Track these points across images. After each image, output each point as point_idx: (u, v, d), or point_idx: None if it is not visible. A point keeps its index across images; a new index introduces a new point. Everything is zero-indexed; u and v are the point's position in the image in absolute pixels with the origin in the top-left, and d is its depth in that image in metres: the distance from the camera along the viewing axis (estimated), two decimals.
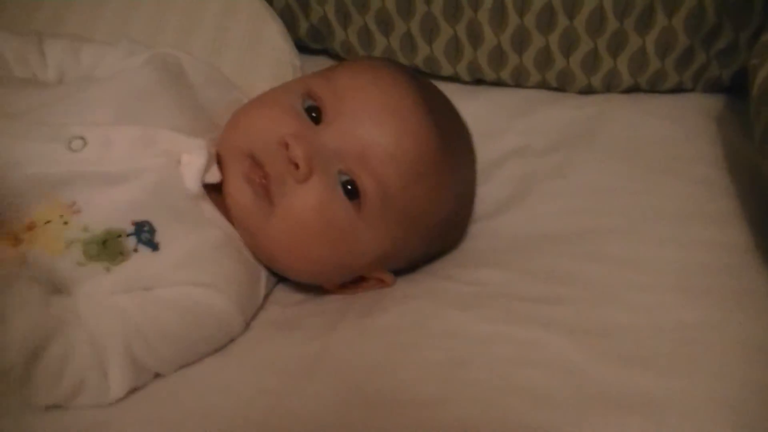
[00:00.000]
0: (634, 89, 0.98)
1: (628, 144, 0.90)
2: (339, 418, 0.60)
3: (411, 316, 0.69)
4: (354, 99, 0.69)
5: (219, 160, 0.70)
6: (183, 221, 0.67)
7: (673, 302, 0.68)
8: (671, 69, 0.95)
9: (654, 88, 0.98)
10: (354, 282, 0.74)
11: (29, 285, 0.60)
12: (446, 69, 1.01)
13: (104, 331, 0.62)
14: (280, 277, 0.76)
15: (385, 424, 0.59)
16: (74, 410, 0.61)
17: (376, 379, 0.63)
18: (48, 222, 0.64)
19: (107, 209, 0.65)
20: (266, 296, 0.74)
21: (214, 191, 0.70)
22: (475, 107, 0.94)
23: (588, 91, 0.99)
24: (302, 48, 1.03)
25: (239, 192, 0.69)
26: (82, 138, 0.66)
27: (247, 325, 0.70)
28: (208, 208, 0.69)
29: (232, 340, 0.69)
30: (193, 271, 0.66)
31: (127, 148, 0.67)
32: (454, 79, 1.02)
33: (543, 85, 1.01)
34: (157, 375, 0.65)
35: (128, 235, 0.64)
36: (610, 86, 0.98)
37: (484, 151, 0.87)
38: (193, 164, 0.67)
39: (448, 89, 0.81)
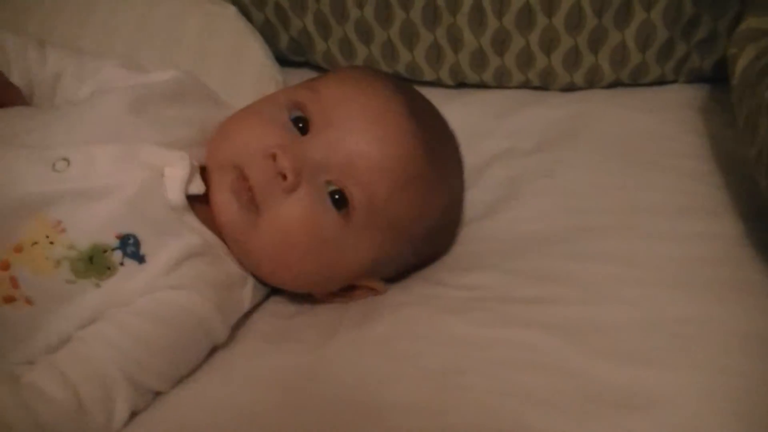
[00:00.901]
0: (616, 84, 0.99)
1: (614, 140, 0.90)
2: (337, 429, 0.60)
3: (405, 325, 0.69)
4: (340, 109, 0.69)
5: (204, 172, 0.70)
6: (167, 233, 0.67)
7: (667, 297, 0.68)
8: (652, 62, 0.96)
9: (636, 81, 0.98)
10: (345, 290, 0.74)
11: None
12: (429, 74, 1.01)
13: (104, 371, 0.62)
14: (273, 289, 0.76)
15: None
16: None
17: (373, 390, 0.63)
18: (35, 243, 0.64)
19: (90, 224, 0.65)
20: (257, 306, 0.74)
21: (198, 202, 0.70)
22: (459, 111, 0.94)
23: (571, 88, 1.00)
24: (284, 61, 1.04)
25: (225, 204, 0.69)
26: (65, 159, 0.66)
27: (238, 330, 0.70)
28: (192, 220, 0.69)
29: (221, 349, 0.69)
30: (173, 276, 0.66)
31: (109, 164, 0.67)
32: (437, 83, 1.02)
33: (526, 85, 1.01)
34: (157, 394, 0.65)
35: (113, 249, 0.65)
36: (592, 82, 0.99)
37: (471, 153, 0.86)
38: (176, 176, 0.67)
39: (432, 94, 0.81)
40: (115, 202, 0.65)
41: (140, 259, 0.65)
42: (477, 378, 0.62)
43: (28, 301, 0.64)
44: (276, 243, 0.68)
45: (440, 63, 1.00)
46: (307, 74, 1.04)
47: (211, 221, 0.70)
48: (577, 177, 0.85)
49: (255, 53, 0.97)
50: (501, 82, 1.01)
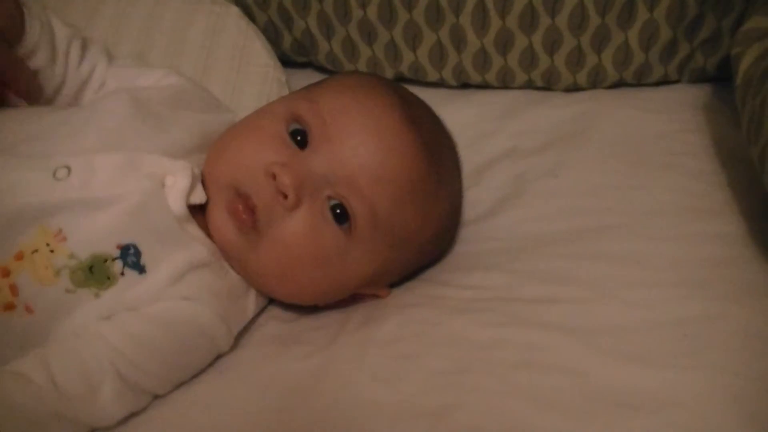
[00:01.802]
0: (619, 84, 0.99)
1: (617, 140, 0.90)
2: None
3: (411, 326, 0.69)
4: (338, 122, 0.69)
5: (204, 182, 0.70)
6: (168, 243, 0.67)
7: (672, 297, 0.68)
8: (656, 62, 0.96)
9: (640, 81, 0.98)
10: (349, 298, 0.74)
11: None
12: (432, 75, 1.01)
13: (90, 365, 0.62)
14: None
15: None
16: None
17: (380, 392, 0.63)
18: (35, 251, 0.64)
19: (91, 234, 0.65)
20: (262, 311, 0.74)
21: (200, 211, 0.70)
22: (462, 111, 0.95)
23: (574, 88, 1.00)
24: (287, 62, 1.04)
25: (222, 225, 0.68)
26: (66, 167, 0.66)
27: (242, 336, 0.70)
28: (193, 229, 0.69)
29: (224, 353, 0.69)
30: (178, 287, 0.66)
31: (110, 173, 0.67)
32: (440, 84, 1.02)
33: (529, 86, 1.01)
34: (157, 397, 0.65)
35: (114, 259, 0.65)
36: (595, 82, 0.99)
37: (475, 154, 0.87)
38: (177, 186, 0.67)
39: (435, 95, 0.81)
40: (117, 212, 0.65)
41: (141, 269, 0.65)
42: (482, 378, 0.62)
43: (28, 309, 0.64)
44: (279, 261, 0.68)
45: (443, 63, 0.99)
46: (310, 75, 1.04)
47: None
48: (580, 177, 0.85)
49: (258, 54, 0.97)
50: (504, 83, 1.01)
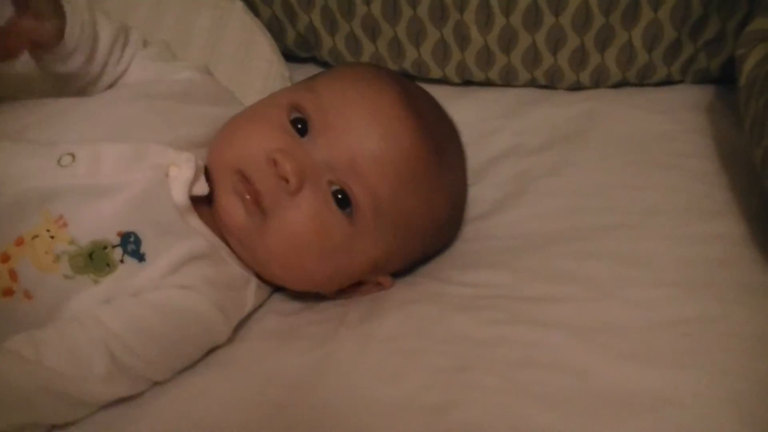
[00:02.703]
0: (623, 83, 0.99)
1: (620, 139, 0.90)
2: (343, 427, 0.60)
3: (412, 322, 0.69)
4: (339, 109, 0.69)
5: (207, 175, 0.70)
6: (169, 233, 0.67)
7: (673, 297, 0.68)
8: (659, 62, 0.96)
9: (643, 81, 0.98)
10: (352, 286, 0.74)
11: None
12: (435, 72, 1.01)
13: (82, 345, 0.62)
14: (276, 287, 0.76)
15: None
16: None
17: (380, 388, 0.63)
18: (36, 237, 0.64)
19: (93, 221, 0.65)
20: (262, 305, 0.74)
21: (201, 203, 0.70)
22: (465, 109, 0.94)
23: (577, 87, 1.00)
24: (291, 57, 1.04)
25: (231, 208, 0.69)
26: (71, 154, 0.66)
27: (242, 329, 0.70)
28: (194, 220, 0.69)
29: (225, 346, 0.69)
30: (175, 276, 0.67)
31: (115, 162, 0.67)
32: (443, 81, 1.02)
33: (532, 84, 1.01)
34: (155, 384, 0.66)
35: (114, 247, 0.65)
36: (599, 81, 0.99)
37: (477, 152, 0.87)
38: (181, 177, 0.68)
39: (438, 92, 0.81)
40: (119, 200, 0.65)
41: (140, 257, 0.66)
42: (483, 376, 0.62)
43: (27, 295, 0.64)
44: (285, 246, 0.69)
45: (447, 60, 0.99)
46: (313, 70, 1.03)
47: (213, 223, 0.70)
48: (583, 176, 0.85)
49: (262, 49, 0.97)
50: (507, 81, 1.01)
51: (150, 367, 0.65)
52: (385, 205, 0.69)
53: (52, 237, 0.64)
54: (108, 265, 0.65)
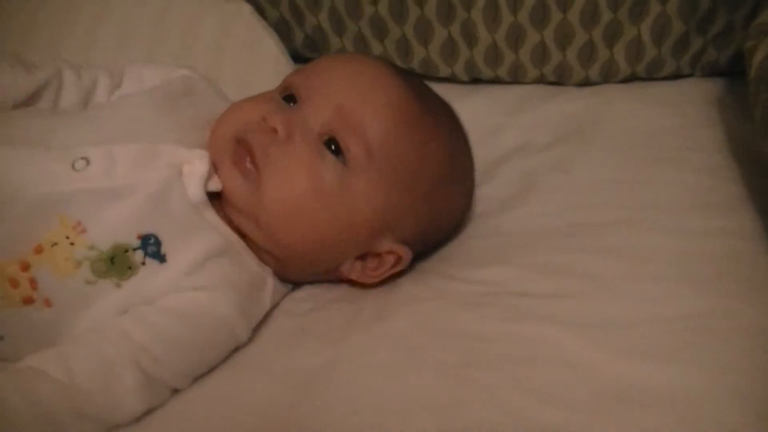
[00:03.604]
0: (631, 78, 0.98)
1: (629, 135, 0.90)
2: (354, 427, 0.60)
3: (420, 319, 0.69)
4: (325, 73, 0.72)
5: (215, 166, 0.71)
6: (187, 231, 0.67)
7: (679, 292, 0.67)
8: (668, 56, 0.95)
9: (652, 75, 0.98)
10: (371, 261, 0.73)
11: None
12: (443, 70, 1.01)
13: (112, 359, 0.62)
14: (292, 285, 0.76)
15: (401, 430, 0.59)
16: None
17: (390, 385, 0.63)
18: (55, 244, 0.64)
19: (112, 225, 0.65)
20: (276, 305, 0.74)
21: (217, 200, 0.70)
22: (474, 106, 0.94)
23: (586, 83, 0.99)
24: (299, 58, 1.04)
25: (230, 177, 0.70)
26: (85, 158, 0.67)
27: (252, 331, 0.70)
28: (212, 217, 0.69)
29: (238, 348, 0.69)
30: (196, 277, 0.67)
31: (129, 163, 0.67)
32: (451, 79, 1.02)
33: (541, 80, 1.01)
34: (175, 391, 0.66)
35: (135, 249, 0.65)
36: (607, 77, 0.98)
37: (486, 149, 0.87)
38: (195, 173, 0.68)
39: (446, 90, 0.81)
40: (136, 201, 0.66)
41: (161, 258, 0.66)
42: (491, 372, 0.62)
43: (48, 303, 0.65)
44: (282, 198, 0.69)
45: (455, 58, 0.99)
46: None
47: (228, 219, 0.71)
48: (592, 172, 0.85)
49: (270, 50, 0.97)
50: (516, 78, 1.01)
51: (177, 376, 0.65)
52: (377, 149, 0.70)
53: (72, 244, 0.64)
54: (130, 267, 0.65)
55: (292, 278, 0.75)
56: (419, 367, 0.64)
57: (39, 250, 0.64)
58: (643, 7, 0.92)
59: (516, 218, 0.81)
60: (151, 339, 0.64)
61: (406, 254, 0.73)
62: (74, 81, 0.81)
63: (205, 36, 0.96)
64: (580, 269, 0.71)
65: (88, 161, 0.66)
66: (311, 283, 0.77)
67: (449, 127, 0.77)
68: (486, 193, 0.83)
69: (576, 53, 0.96)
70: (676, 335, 0.63)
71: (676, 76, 0.98)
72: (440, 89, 0.80)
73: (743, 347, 0.62)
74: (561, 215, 0.79)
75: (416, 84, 0.75)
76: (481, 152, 0.81)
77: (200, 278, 0.67)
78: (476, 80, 1.03)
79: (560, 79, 1.00)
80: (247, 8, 0.99)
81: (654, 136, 0.88)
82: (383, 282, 0.75)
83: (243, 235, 0.71)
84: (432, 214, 0.75)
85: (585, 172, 0.85)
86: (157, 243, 0.66)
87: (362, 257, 0.73)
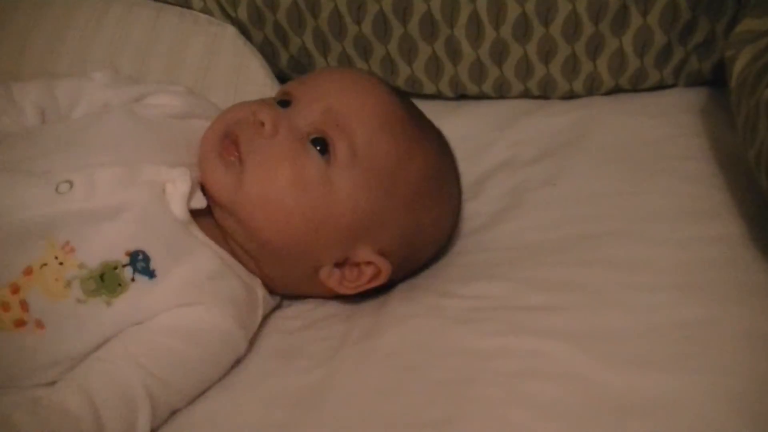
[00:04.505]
0: (616, 90, 0.99)
1: (615, 146, 0.90)
2: None
3: (413, 337, 0.69)
4: (319, 80, 0.76)
5: (204, 190, 0.71)
6: (175, 247, 0.68)
7: (673, 301, 0.68)
8: (651, 67, 0.96)
9: (636, 87, 0.98)
10: (349, 271, 0.73)
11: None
12: (428, 87, 1.02)
13: (131, 393, 0.62)
14: (280, 297, 0.77)
15: None
16: None
17: (383, 404, 0.63)
18: (44, 265, 0.65)
19: (100, 243, 0.66)
20: (265, 319, 0.74)
21: (202, 217, 0.71)
22: (460, 122, 0.95)
23: (571, 96, 1.00)
24: (285, 79, 1.04)
25: (212, 170, 0.71)
26: (68, 182, 0.67)
27: (248, 344, 0.70)
28: (198, 233, 0.70)
29: (238, 361, 0.70)
30: (191, 293, 0.67)
31: (111, 185, 0.68)
32: (437, 96, 1.02)
33: (526, 95, 1.01)
34: (175, 411, 0.66)
35: (124, 266, 0.66)
36: (592, 89, 0.99)
37: (473, 164, 0.87)
38: (177, 192, 0.69)
39: (432, 107, 0.82)
40: (122, 221, 0.66)
41: (150, 274, 0.66)
42: (484, 388, 0.62)
43: (39, 325, 0.65)
44: (262, 190, 0.69)
45: (440, 75, 1.00)
46: None
47: (216, 235, 0.71)
48: (579, 184, 0.85)
49: (255, 72, 0.97)
50: (501, 93, 1.01)
51: (182, 398, 0.66)
52: (361, 147, 0.70)
53: (60, 264, 0.65)
54: (120, 284, 0.66)
55: (277, 288, 0.76)
56: (412, 384, 0.64)
57: (29, 272, 0.65)
58: (625, 20, 0.92)
59: (506, 233, 0.81)
60: (160, 365, 0.64)
61: (386, 268, 0.73)
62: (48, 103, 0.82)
63: (190, 59, 0.96)
64: (572, 281, 0.71)
65: (71, 184, 0.67)
66: (298, 298, 0.77)
67: (437, 143, 0.78)
68: (474, 208, 0.84)
69: (560, 67, 0.97)
70: (671, 344, 0.63)
71: (659, 86, 0.98)
72: (426, 106, 0.81)
73: (740, 354, 0.62)
74: (551, 229, 0.80)
75: (408, 102, 0.77)
76: (468, 168, 0.82)
77: (195, 294, 0.68)
78: (462, 96, 1.03)
79: (545, 93, 1.00)
80: (232, 30, 0.99)
81: (640, 147, 0.89)
82: (372, 298, 0.75)
83: (230, 251, 0.72)
84: (413, 228, 0.74)
85: (573, 184, 0.85)
86: (146, 259, 0.66)
87: (341, 265, 0.73)
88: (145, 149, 0.72)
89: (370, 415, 0.62)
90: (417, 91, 1.02)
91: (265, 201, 0.69)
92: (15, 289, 0.64)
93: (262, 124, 0.70)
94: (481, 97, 1.02)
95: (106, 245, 0.66)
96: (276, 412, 0.65)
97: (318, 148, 0.70)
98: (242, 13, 1.00)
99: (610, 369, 0.62)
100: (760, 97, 0.72)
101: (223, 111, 0.76)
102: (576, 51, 0.95)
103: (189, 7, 1.01)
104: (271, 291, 0.75)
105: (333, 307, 0.76)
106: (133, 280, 0.66)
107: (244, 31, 1.01)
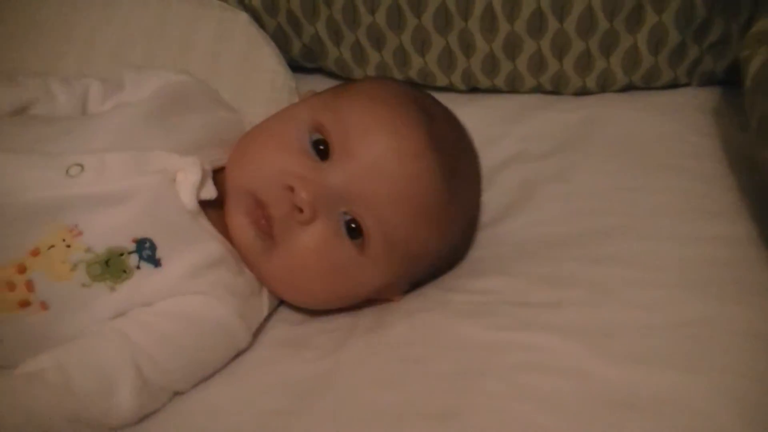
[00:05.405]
0: (628, 87, 0.99)
1: (626, 143, 0.90)
2: None
3: (420, 330, 0.69)
4: (361, 138, 0.69)
5: (217, 175, 0.71)
6: (182, 237, 0.68)
7: (677, 298, 0.68)
8: (664, 65, 0.96)
9: (648, 85, 0.98)
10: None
11: None
12: (441, 79, 1.01)
13: (110, 362, 0.63)
14: None
15: None
16: None
17: (388, 395, 0.63)
18: (51, 247, 0.65)
19: (107, 229, 0.66)
20: (273, 311, 0.75)
21: (212, 207, 0.70)
22: (471, 115, 0.93)
23: (583, 92, 1.00)
24: (296, 67, 1.04)
25: (240, 228, 0.70)
26: (79, 165, 0.67)
27: (253, 337, 0.71)
28: (206, 224, 0.70)
29: (237, 354, 0.69)
30: (194, 282, 0.67)
31: (122, 170, 0.68)
32: (449, 89, 1.02)
33: (538, 90, 1.01)
34: (177, 393, 0.66)
35: (130, 253, 0.66)
36: (604, 86, 0.99)
37: (484, 158, 0.86)
38: (188, 181, 0.68)
39: (444, 99, 0.81)
40: (131, 207, 0.66)
41: (156, 263, 0.66)
42: (490, 382, 0.62)
43: (43, 306, 0.65)
44: (291, 272, 0.70)
45: (452, 68, 1.00)
46: (319, 81, 1.04)
47: (224, 226, 0.71)
48: (589, 180, 0.85)
49: (267, 60, 0.97)
50: (513, 87, 1.01)
51: (175, 378, 0.66)
52: (398, 239, 0.69)
53: (68, 246, 0.65)
54: (124, 271, 0.66)
55: None
56: (418, 377, 0.65)
57: (35, 253, 0.65)
58: (640, 17, 0.92)
59: (515, 227, 0.81)
60: (150, 341, 0.64)
61: (398, 298, 0.75)
62: (65, 90, 0.81)
63: (202, 45, 0.96)
64: (579, 277, 0.72)
65: (82, 167, 0.67)
66: None
67: (470, 190, 0.78)
68: (485, 201, 0.83)
69: (573, 63, 0.96)
70: (675, 342, 0.64)
71: (673, 85, 0.98)
72: (438, 98, 0.80)
73: (743, 353, 0.62)
74: (560, 224, 0.80)
75: (447, 145, 0.72)
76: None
77: (198, 284, 0.67)
78: (474, 89, 1.03)
79: (557, 89, 1.00)
80: (244, 17, 0.98)
81: (652, 144, 0.89)
82: None
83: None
84: (434, 272, 0.77)
85: (583, 180, 0.85)
86: (152, 247, 0.66)
87: None
88: (157, 136, 0.72)
89: (375, 406, 0.63)
90: (429, 83, 1.01)
91: (290, 281, 0.71)
92: (21, 269, 0.64)
93: (300, 210, 0.67)
94: (493, 90, 1.02)
95: (113, 230, 0.66)
96: (280, 400, 0.65)
97: (353, 226, 0.69)
98: (256, 0, 1.00)
99: (613, 365, 0.62)
100: None
101: (249, 153, 0.72)
102: (590, 47, 0.95)
103: None
104: None
105: None
106: (138, 267, 0.66)
107: (257, 18, 1.01)
